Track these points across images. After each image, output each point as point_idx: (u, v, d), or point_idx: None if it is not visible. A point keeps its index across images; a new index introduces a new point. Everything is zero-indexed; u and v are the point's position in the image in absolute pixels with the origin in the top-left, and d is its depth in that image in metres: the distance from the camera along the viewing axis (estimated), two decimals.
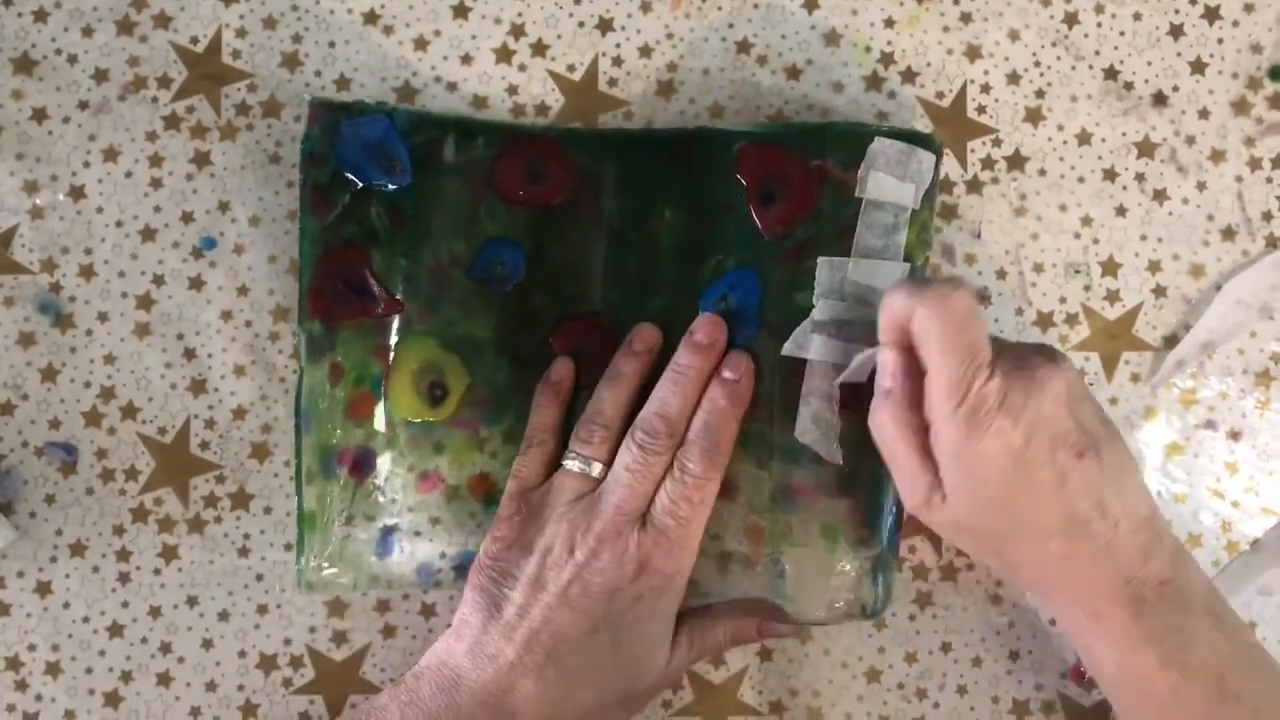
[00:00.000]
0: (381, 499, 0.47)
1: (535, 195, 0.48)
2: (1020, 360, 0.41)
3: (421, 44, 0.50)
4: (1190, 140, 0.51)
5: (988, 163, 0.51)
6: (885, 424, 0.42)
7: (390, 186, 0.47)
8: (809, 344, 0.45)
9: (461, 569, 0.47)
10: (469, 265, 0.48)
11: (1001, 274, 0.50)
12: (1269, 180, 0.51)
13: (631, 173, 0.49)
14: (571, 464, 0.46)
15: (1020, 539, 0.42)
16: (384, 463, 0.47)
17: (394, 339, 0.47)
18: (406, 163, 0.47)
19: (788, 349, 0.45)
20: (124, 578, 0.49)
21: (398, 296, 0.47)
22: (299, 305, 0.47)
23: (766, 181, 0.47)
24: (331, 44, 0.50)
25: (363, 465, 0.47)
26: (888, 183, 0.46)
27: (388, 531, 0.47)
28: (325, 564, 0.47)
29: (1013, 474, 0.40)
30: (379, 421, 0.47)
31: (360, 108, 0.48)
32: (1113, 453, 0.41)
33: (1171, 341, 0.50)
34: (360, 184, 0.47)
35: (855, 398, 0.45)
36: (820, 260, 0.46)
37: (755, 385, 0.46)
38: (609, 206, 0.48)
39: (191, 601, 0.49)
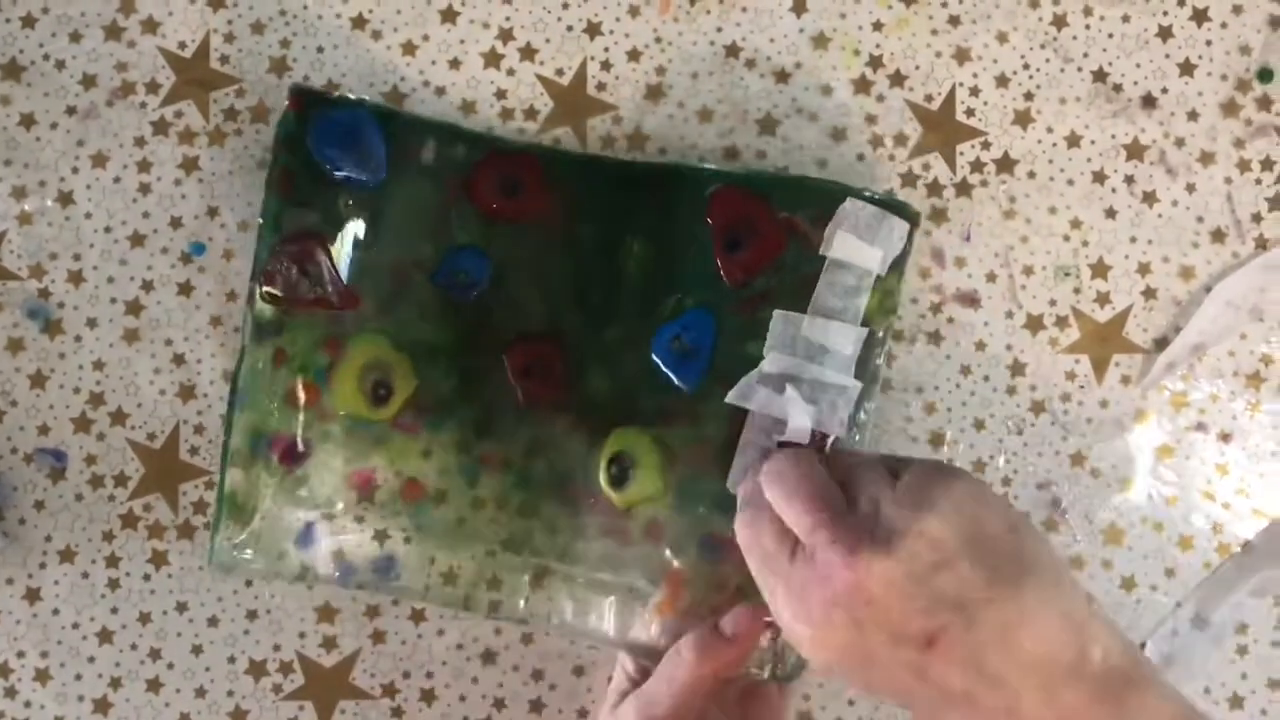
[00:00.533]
0: (308, 491, 0.47)
1: (509, 209, 0.48)
2: (868, 531, 0.37)
3: (410, 49, 0.50)
4: (1179, 142, 0.51)
5: (977, 165, 0.51)
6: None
7: (362, 180, 0.47)
8: (753, 395, 0.45)
9: (382, 572, 0.47)
10: (433, 270, 0.47)
11: (991, 277, 0.50)
12: (1258, 182, 0.51)
13: (606, 201, 0.48)
14: None
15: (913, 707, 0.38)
16: (316, 455, 0.47)
17: (345, 333, 0.47)
18: (382, 159, 0.47)
19: (732, 397, 0.45)
20: (113, 584, 0.49)
21: (355, 292, 0.47)
22: (250, 286, 0.47)
23: (734, 227, 0.47)
24: (320, 49, 0.50)
25: (294, 454, 0.47)
26: (854, 245, 0.45)
27: (311, 524, 0.47)
28: (242, 545, 0.47)
29: (860, 668, 0.38)
30: (317, 413, 0.47)
31: (341, 100, 0.48)
32: (998, 608, 0.36)
33: (1162, 344, 0.50)
34: (332, 174, 0.47)
35: (798, 444, 0.44)
36: (776, 313, 0.45)
37: (695, 428, 0.45)
38: (580, 231, 0.48)
39: (181, 607, 0.49)
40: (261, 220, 0.47)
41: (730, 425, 0.45)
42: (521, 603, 0.47)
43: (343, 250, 0.47)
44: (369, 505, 0.47)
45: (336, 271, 0.47)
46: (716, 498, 0.45)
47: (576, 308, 0.48)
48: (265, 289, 0.47)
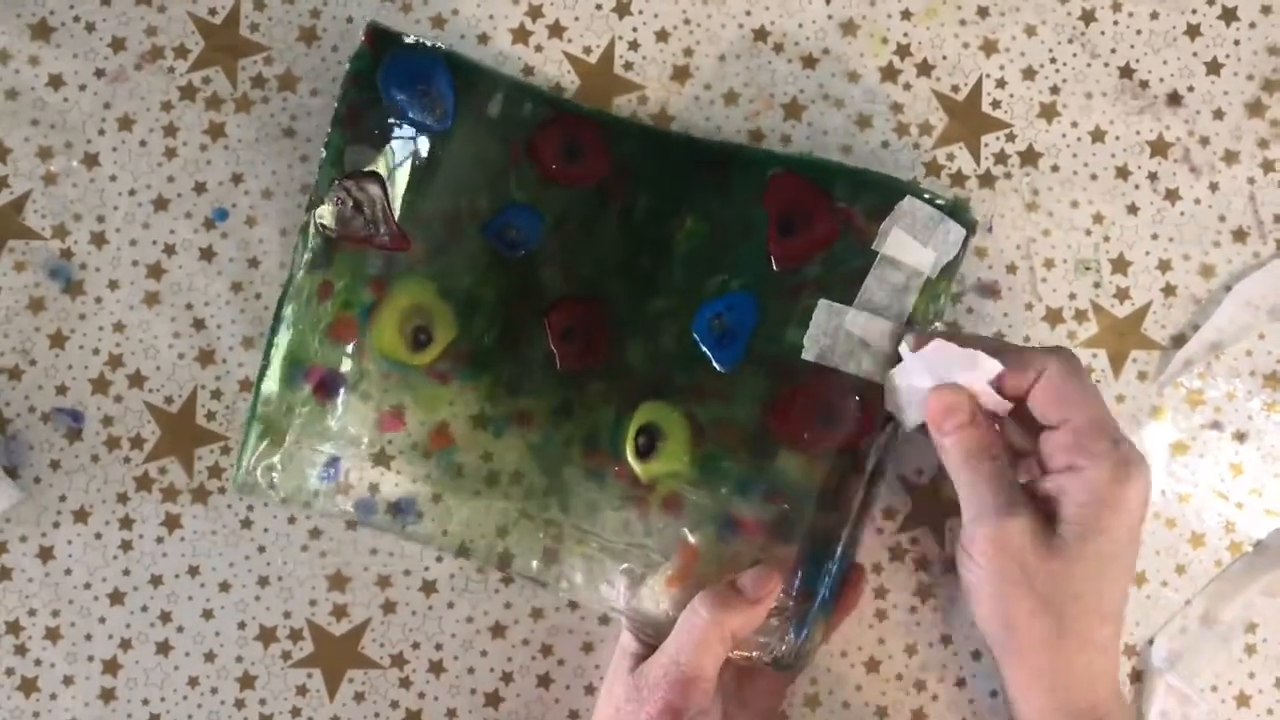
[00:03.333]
0: (337, 425, 0.47)
1: (568, 173, 0.48)
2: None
3: (439, 22, 0.50)
4: (1204, 141, 0.51)
5: (1001, 157, 0.51)
6: (985, 451, 0.43)
7: (429, 125, 0.47)
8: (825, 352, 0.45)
9: (398, 512, 0.47)
10: (485, 222, 0.48)
11: (1012, 268, 0.50)
12: None
13: (665, 174, 0.48)
14: None
15: (1092, 617, 0.42)
16: (350, 391, 0.47)
17: (393, 274, 0.47)
18: (449, 107, 0.47)
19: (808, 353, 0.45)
20: (126, 545, 0.49)
21: (406, 234, 0.47)
22: (305, 215, 0.47)
23: (790, 212, 0.46)
24: (349, 20, 0.50)
25: (328, 387, 0.47)
26: (908, 243, 0.45)
27: (336, 458, 0.47)
28: (267, 469, 0.47)
29: (1130, 537, 0.42)
30: (356, 350, 0.47)
31: (417, 45, 0.47)
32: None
33: (1180, 341, 0.50)
34: (398, 116, 0.47)
35: (827, 434, 0.45)
36: (821, 302, 0.45)
37: (726, 408, 0.46)
38: (636, 201, 0.48)
39: (193, 571, 0.49)
40: (324, 152, 0.47)
41: (762, 408, 0.45)
42: (534, 562, 0.47)
43: (399, 192, 0.47)
44: (395, 448, 0.47)
45: (391, 212, 0.47)
46: (740, 479, 0.45)
47: (623, 276, 0.48)
48: (320, 221, 0.47)
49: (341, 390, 0.47)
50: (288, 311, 0.47)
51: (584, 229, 0.48)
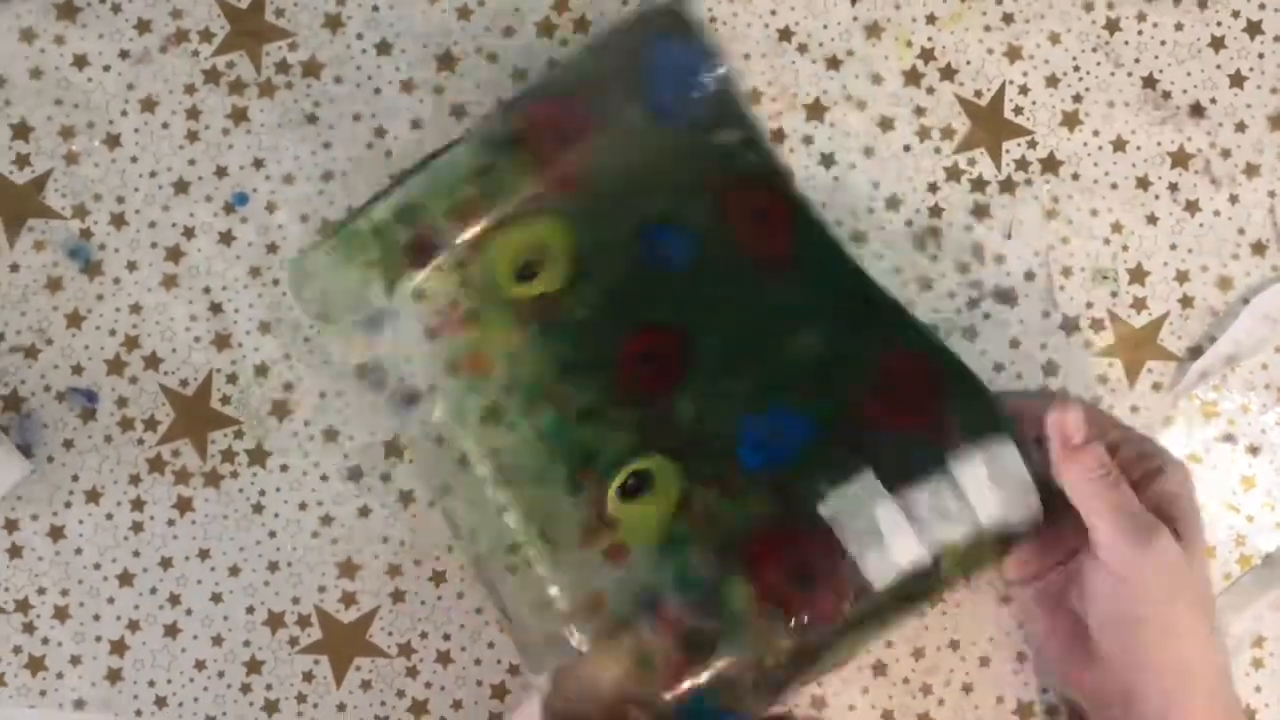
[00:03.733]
0: (410, 287, 0.45)
1: (744, 230, 0.46)
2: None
3: (465, 13, 0.51)
4: (1225, 153, 0.51)
5: (1022, 164, 0.51)
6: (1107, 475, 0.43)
7: (663, 110, 0.46)
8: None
9: (404, 405, 0.46)
10: (649, 221, 0.46)
11: (1029, 275, 0.50)
12: None
13: (820, 284, 0.46)
14: None
15: (1170, 696, 0.42)
16: (437, 271, 0.45)
17: (542, 203, 0.45)
18: (692, 111, 0.46)
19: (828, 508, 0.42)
20: (137, 527, 0.49)
21: (575, 179, 0.45)
22: (510, 99, 0.47)
23: (897, 383, 0.44)
24: (375, 8, 0.50)
25: (425, 251, 0.45)
26: (982, 481, 0.42)
27: (391, 313, 0.45)
28: (333, 258, 0.45)
29: (1172, 596, 0.42)
30: (468, 242, 0.45)
31: (703, 41, 0.46)
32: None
33: (1196, 352, 0.50)
34: (643, 88, 0.46)
35: (785, 591, 0.42)
36: (867, 472, 0.42)
37: (723, 505, 0.43)
38: (787, 292, 0.46)
39: (203, 555, 0.49)
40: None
41: (750, 523, 0.43)
42: (493, 559, 0.45)
43: (598, 144, 0.45)
44: (444, 349, 0.45)
45: (583, 152, 0.45)
46: (684, 576, 0.43)
47: (725, 341, 0.45)
48: (515, 111, 0.45)
49: (431, 263, 0.45)
50: (440, 162, 0.45)
51: (723, 285, 0.46)
